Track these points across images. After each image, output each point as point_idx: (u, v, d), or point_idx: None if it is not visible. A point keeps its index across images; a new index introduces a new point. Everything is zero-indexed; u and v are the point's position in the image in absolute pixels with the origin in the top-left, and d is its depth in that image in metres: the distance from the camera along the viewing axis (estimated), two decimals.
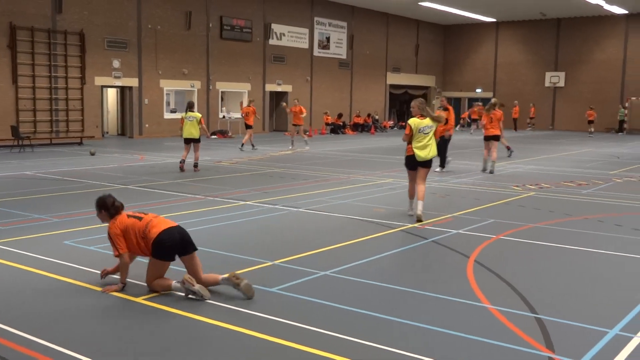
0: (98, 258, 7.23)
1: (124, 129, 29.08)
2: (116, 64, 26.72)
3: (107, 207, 6.30)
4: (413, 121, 9.77)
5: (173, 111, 30.07)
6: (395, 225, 9.34)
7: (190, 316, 5.39)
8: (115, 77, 26.86)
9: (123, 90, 28.36)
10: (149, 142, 25.85)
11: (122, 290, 6.05)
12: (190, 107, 16.27)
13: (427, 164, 9.85)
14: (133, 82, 27.57)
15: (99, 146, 22.48)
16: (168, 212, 10.06)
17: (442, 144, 15.43)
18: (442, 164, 16.38)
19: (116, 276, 6.26)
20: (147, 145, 24.16)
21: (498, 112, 16.61)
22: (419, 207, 9.62)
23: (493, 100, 17.04)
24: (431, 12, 39.44)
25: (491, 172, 16.11)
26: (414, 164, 9.86)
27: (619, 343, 4.91)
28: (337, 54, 37.86)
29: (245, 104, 24.50)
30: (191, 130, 15.94)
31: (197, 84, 30.18)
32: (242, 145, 22.26)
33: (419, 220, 9.58)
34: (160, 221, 6.15)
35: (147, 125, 28.41)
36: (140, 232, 6.05)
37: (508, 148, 20.68)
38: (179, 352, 4.69)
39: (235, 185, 13.46)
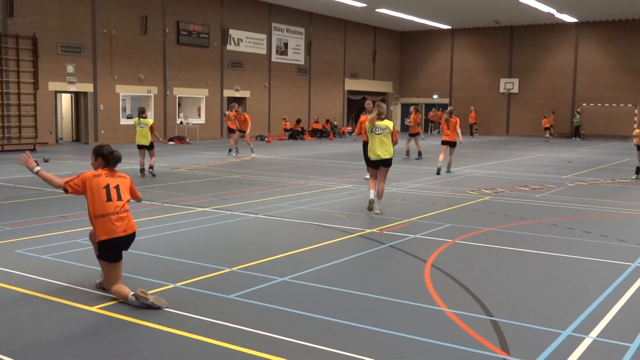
0: (50, 267, 7.08)
1: (78, 135, 28.56)
2: (70, 69, 26.25)
3: (105, 155, 6.34)
4: (364, 118, 10.76)
5: (129, 117, 29.66)
6: (353, 231, 9.39)
7: (145, 324, 5.31)
8: (70, 82, 26.38)
9: (78, 96, 27.87)
10: None
11: (30, 168, 6.20)
12: (141, 112, 16.14)
13: (385, 163, 10.78)
14: (88, 87, 27.12)
15: (53, 152, 22.01)
16: None
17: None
18: None
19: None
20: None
21: (454, 119, 17.72)
22: (376, 206, 10.73)
23: (449, 108, 18.33)
24: (388, 18, 39.83)
25: (448, 171, 17.35)
26: (370, 162, 11.01)
27: (572, 344, 5.02)
28: (295, 60, 37.91)
29: (231, 110, 23.92)
30: (141, 138, 15.80)
31: (154, 90, 29.85)
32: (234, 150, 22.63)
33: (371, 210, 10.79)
34: (112, 226, 5.98)
35: (102, 132, 27.96)
36: (93, 206, 6.03)
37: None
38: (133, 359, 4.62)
39: (193, 191, 13.34)
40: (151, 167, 15.86)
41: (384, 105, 11.58)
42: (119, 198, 6.08)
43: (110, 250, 5.94)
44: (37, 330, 5.20)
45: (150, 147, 15.83)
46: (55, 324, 5.37)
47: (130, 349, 4.86)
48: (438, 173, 16.99)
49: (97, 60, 27.29)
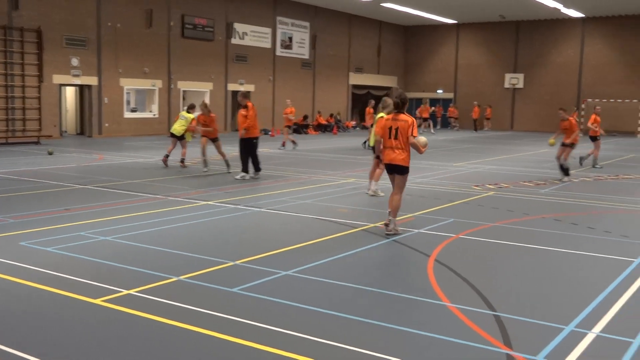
0: (55, 259, 7.10)
1: (83, 128, 28.59)
2: (75, 62, 26.26)
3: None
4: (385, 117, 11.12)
5: (134, 110, 29.73)
6: (357, 225, 9.39)
7: (149, 317, 5.33)
8: (74, 76, 26.40)
9: (82, 89, 27.88)
10: (109, 141, 25.46)
11: None
12: (190, 108, 17.05)
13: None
14: (92, 80, 27.13)
15: (57, 145, 22.05)
16: (128, 213, 9.95)
17: (250, 148, 14.40)
18: (256, 168, 14.63)
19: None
20: (106, 144, 23.79)
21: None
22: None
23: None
24: (393, 13, 39.72)
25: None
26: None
27: (575, 339, 5.02)
28: (299, 54, 37.86)
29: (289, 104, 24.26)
30: (175, 126, 16.82)
31: (159, 83, 29.85)
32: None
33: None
34: None
35: (106, 125, 27.99)
36: None
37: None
38: (137, 353, 4.63)
39: (196, 185, 13.36)
40: (182, 160, 16.73)
41: (389, 100, 11.72)
42: None
43: None
44: (41, 323, 5.22)
45: (180, 138, 16.74)
46: (59, 317, 5.39)
47: (134, 341, 4.88)
48: None
49: (101, 54, 27.30)
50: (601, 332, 5.19)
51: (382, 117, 12.08)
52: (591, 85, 40.27)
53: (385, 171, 9.40)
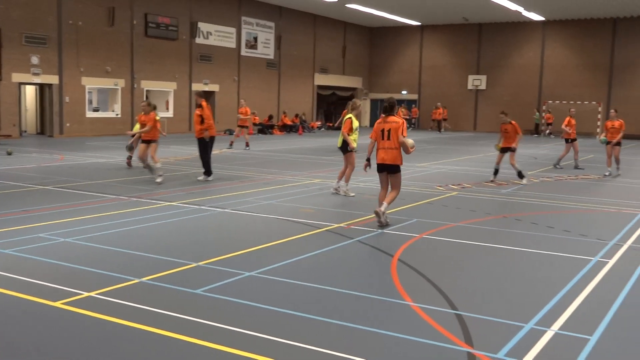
0: (12, 262, 6.96)
1: (43, 128, 28.09)
2: (35, 60, 25.78)
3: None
4: (353, 118, 12.21)
5: (96, 110, 29.29)
6: (321, 225, 9.40)
7: (109, 319, 5.26)
8: (34, 74, 25.91)
9: (42, 88, 27.40)
10: (70, 141, 25.05)
11: None
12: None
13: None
14: (53, 79, 26.67)
15: (16, 145, 21.60)
16: (89, 214, 9.80)
17: (203, 148, 14.07)
18: (207, 172, 14.21)
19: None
20: (68, 144, 23.40)
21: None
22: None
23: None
24: (358, 14, 39.90)
25: None
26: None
27: (534, 336, 5.11)
28: (264, 54, 37.77)
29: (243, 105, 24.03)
30: (138, 127, 16.01)
31: (121, 82, 29.48)
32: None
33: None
34: None
35: (68, 124, 27.53)
36: None
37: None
38: (98, 356, 4.56)
39: (160, 185, 13.21)
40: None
41: (358, 102, 12.66)
42: None
43: None
44: None
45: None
46: (17, 320, 5.28)
47: (94, 344, 4.81)
48: None
49: (62, 52, 26.84)
50: (560, 329, 5.29)
51: (349, 118, 12.26)
52: (551, 87, 41.04)
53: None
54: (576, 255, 7.98)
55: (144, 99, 22.05)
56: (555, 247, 8.39)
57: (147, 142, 14.00)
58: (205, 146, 14.02)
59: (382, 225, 9.30)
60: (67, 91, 27.30)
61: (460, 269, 7.33)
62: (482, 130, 42.81)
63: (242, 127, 23.72)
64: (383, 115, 9.64)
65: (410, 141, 9.42)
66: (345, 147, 12.50)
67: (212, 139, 14.09)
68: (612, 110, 17.81)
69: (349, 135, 12.36)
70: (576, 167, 18.82)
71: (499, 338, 5.06)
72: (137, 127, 16.35)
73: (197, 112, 14.06)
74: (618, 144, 17.01)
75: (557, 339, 5.08)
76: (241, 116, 23.52)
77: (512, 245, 8.44)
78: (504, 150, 15.20)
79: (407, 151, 9.42)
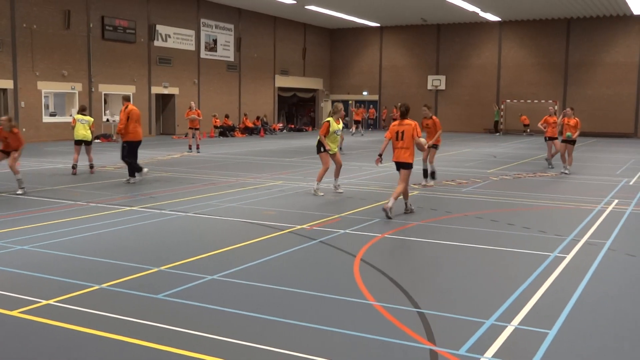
0: None
1: None
2: None
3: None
4: (332, 121, 12.47)
5: (52, 115, 28.73)
6: (283, 227, 9.39)
7: (68, 327, 5.16)
8: None
9: None
10: (27, 147, 24.39)
11: None
12: (82, 110, 16.65)
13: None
14: (7, 83, 26.07)
15: None
16: (47, 220, 9.61)
17: (122, 151, 14.27)
18: (132, 173, 14.21)
19: None
20: (24, 150, 22.81)
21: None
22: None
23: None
24: (317, 15, 39.98)
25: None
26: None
27: (495, 332, 5.19)
28: (224, 57, 37.56)
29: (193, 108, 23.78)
30: (81, 132, 16.10)
31: (78, 86, 28.99)
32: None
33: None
34: None
35: (24, 130, 26.90)
36: None
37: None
38: None
39: (120, 190, 13.04)
40: (91, 166, 16.14)
41: (339, 106, 13.09)
42: None
43: None
44: None
45: (88, 143, 16.15)
46: None
47: (52, 353, 4.71)
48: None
49: (17, 56, 26.27)
50: (520, 324, 5.38)
51: (327, 121, 12.40)
52: (509, 86, 41.74)
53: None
54: (535, 251, 8.12)
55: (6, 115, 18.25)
56: (515, 244, 8.53)
57: (7, 152, 12.76)
58: (130, 148, 14.19)
59: (408, 211, 10.77)
60: (22, 96, 26.72)
61: (422, 267, 7.40)
62: (443, 130, 43.21)
63: (193, 129, 23.59)
64: (400, 119, 10.82)
65: (422, 140, 10.68)
66: (319, 148, 12.73)
67: (127, 143, 14.16)
68: (568, 109, 17.93)
69: (325, 137, 12.62)
70: (549, 165, 18.74)
71: (460, 335, 5.13)
72: (82, 132, 15.93)
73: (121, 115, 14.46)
74: (572, 142, 17.27)
75: (517, 334, 5.17)
76: (195, 117, 23.30)
77: (473, 243, 8.55)
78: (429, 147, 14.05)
79: (422, 149, 10.92)
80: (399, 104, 11.60)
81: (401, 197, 10.77)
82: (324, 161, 12.77)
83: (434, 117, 14.84)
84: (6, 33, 25.80)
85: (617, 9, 36.46)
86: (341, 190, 13.00)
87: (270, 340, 4.96)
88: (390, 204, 10.18)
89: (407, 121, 10.68)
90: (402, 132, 10.56)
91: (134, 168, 14.17)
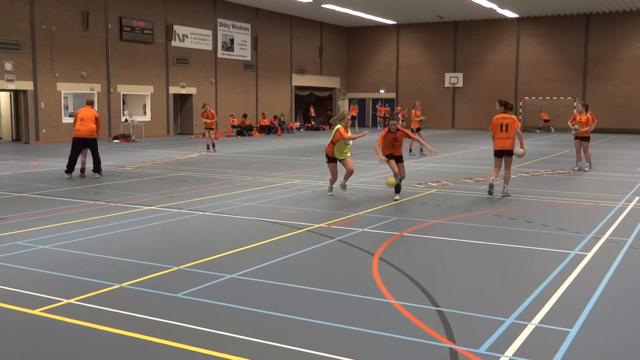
0: None
1: (19, 134, 27.76)
2: (8, 66, 25.47)
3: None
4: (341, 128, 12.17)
5: (72, 115, 28.97)
6: (301, 226, 9.40)
7: (89, 326, 5.21)
8: (8, 80, 25.60)
9: (17, 94, 27.08)
10: (47, 147, 24.77)
11: None
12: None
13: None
14: (27, 85, 26.36)
15: None
16: (68, 220, 9.70)
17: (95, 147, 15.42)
18: (97, 169, 15.47)
19: None
20: (44, 151, 23.14)
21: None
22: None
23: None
24: (334, 14, 39.96)
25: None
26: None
27: (515, 330, 5.15)
28: (241, 56, 37.68)
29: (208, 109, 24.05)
30: (84, 130, 15.91)
31: (97, 87, 29.23)
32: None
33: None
34: None
35: (44, 130, 27.24)
36: None
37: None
38: None
39: (139, 190, 13.13)
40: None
41: (346, 112, 12.90)
42: None
43: None
44: None
45: (89, 144, 15.46)
46: None
47: (73, 352, 4.76)
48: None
49: (36, 58, 26.56)
50: (540, 322, 5.34)
51: (338, 129, 12.06)
52: (527, 83, 41.44)
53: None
54: (555, 249, 8.06)
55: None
56: (535, 242, 8.47)
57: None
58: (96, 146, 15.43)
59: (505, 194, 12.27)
60: (42, 97, 27.01)
61: (441, 265, 7.37)
62: (460, 128, 43.09)
63: (208, 128, 23.87)
64: (501, 112, 12.46)
65: (521, 151, 12.54)
66: (327, 157, 12.53)
67: (80, 140, 15.22)
68: (579, 104, 17.38)
69: (334, 145, 12.33)
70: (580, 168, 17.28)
71: (480, 333, 5.10)
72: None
73: None
74: (586, 139, 16.95)
75: (537, 333, 5.13)
76: (208, 120, 23.56)
77: (492, 241, 8.50)
78: None
79: (521, 140, 12.44)
80: (502, 100, 12.87)
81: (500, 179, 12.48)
82: (331, 172, 12.52)
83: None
84: (26, 35, 26.07)
85: (637, 4, 36.05)
86: (347, 193, 12.41)
87: (289, 338, 4.97)
88: (494, 183, 12.06)
89: (508, 115, 12.41)
90: (507, 125, 12.26)
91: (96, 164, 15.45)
